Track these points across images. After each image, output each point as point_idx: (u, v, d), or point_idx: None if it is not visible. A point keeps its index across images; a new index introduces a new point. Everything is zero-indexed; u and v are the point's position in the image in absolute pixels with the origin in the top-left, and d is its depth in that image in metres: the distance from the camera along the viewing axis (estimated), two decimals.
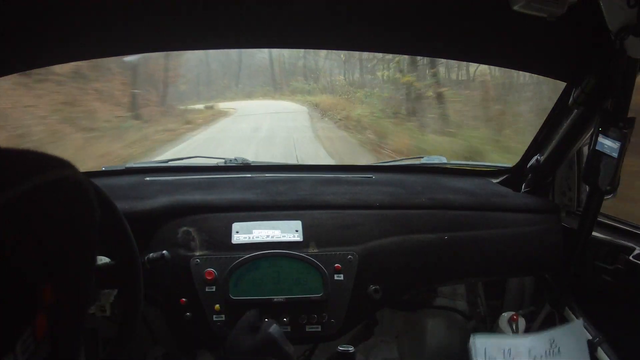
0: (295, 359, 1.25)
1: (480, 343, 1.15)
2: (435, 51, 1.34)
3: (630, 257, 1.06)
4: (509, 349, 1.14)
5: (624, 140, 0.97)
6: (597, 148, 1.00)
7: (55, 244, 0.41)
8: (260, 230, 1.09)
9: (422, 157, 1.65)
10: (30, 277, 0.38)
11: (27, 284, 0.38)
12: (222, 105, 12.17)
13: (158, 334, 1.31)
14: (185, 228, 1.08)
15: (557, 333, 1.15)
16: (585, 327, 1.15)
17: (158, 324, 1.30)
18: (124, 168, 1.46)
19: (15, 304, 0.37)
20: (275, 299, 1.03)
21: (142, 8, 0.90)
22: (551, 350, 1.12)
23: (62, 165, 0.44)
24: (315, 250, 1.08)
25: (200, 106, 11.38)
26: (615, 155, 0.98)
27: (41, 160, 0.43)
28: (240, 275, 1.04)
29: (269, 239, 1.08)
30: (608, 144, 0.98)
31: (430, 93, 7.09)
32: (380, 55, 7.38)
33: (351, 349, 1.00)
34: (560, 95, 1.23)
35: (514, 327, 1.22)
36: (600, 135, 0.99)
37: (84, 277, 0.47)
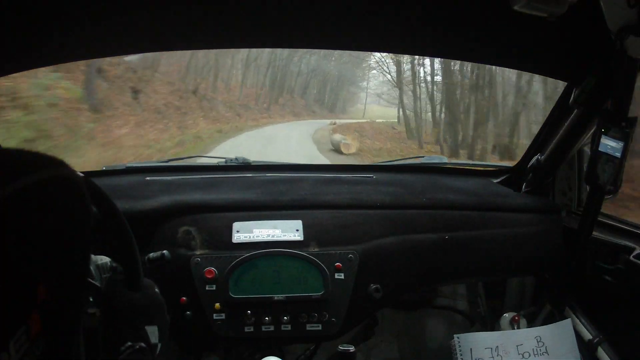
0: (297, 358, 1.26)
1: (465, 343, 1.12)
2: (436, 51, 1.34)
3: (631, 257, 1.06)
4: (497, 347, 1.12)
5: (627, 140, 0.97)
6: (600, 149, 0.99)
7: (48, 242, 0.41)
8: (260, 230, 1.09)
9: (423, 157, 1.65)
10: (23, 276, 0.38)
11: (20, 283, 0.38)
12: None
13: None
14: (185, 227, 1.08)
15: (543, 331, 1.14)
16: (584, 327, 1.15)
17: None
18: (124, 168, 1.46)
19: (9, 303, 0.37)
20: (275, 298, 1.03)
21: (143, 7, 0.90)
22: (538, 349, 1.11)
23: (53, 164, 0.44)
24: (316, 250, 1.08)
25: None
26: (618, 155, 0.98)
27: (33, 160, 0.42)
28: (241, 274, 1.04)
29: (270, 238, 1.08)
30: (611, 145, 0.98)
31: None
32: None
33: (352, 348, 0.99)
34: (561, 95, 1.23)
35: (515, 328, 1.22)
36: (602, 137, 0.99)
37: (78, 275, 0.47)
